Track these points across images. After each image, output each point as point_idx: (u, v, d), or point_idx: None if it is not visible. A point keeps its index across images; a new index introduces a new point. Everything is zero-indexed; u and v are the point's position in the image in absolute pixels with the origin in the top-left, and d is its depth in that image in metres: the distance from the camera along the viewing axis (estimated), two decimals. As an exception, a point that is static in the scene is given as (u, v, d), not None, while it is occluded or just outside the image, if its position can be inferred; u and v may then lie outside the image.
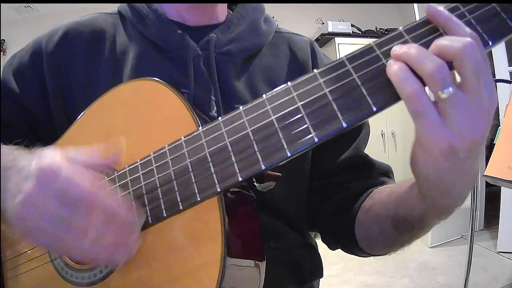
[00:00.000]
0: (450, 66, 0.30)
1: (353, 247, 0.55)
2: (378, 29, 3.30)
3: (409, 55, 0.30)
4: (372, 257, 0.57)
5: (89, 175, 0.35)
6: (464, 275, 1.84)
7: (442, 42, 0.30)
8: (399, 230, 0.45)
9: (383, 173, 0.60)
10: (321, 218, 0.60)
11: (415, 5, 2.68)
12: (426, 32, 0.33)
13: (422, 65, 0.29)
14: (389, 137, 3.15)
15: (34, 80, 0.55)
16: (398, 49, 0.31)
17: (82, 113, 0.50)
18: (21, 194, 0.34)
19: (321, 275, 0.63)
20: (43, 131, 0.55)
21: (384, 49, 0.33)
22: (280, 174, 0.40)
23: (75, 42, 0.55)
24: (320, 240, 0.64)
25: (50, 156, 0.36)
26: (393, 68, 0.30)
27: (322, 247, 0.67)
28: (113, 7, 0.62)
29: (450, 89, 0.28)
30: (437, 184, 0.33)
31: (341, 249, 0.60)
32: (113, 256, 0.36)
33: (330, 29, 3.09)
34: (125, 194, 0.40)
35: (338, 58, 0.34)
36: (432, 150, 0.30)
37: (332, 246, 0.61)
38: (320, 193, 0.60)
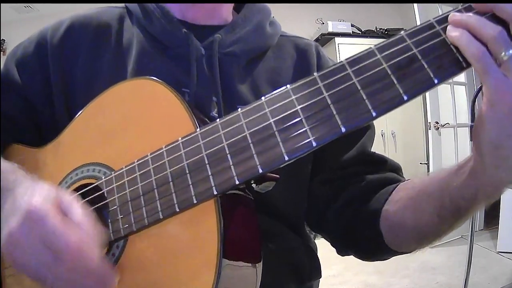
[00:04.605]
0: None
1: (372, 247, 0.53)
2: (378, 29, 3.29)
3: (471, 21, 0.32)
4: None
5: (76, 229, 0.35)
6: (464, 275, 1.84)
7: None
8: (441, 217, 0.43)
9: (394, 170, 0.58)
10: (332, 213, 0.56)
11: (415, 5, 2.67)
12: (429, 36, 0.32)
13: (486, 30, 0.31)
14: (389, 137, 3.15)
15: (38, 72, 0.54)
16: (458, 16, 0.32)
17: (82, 110, 0.50)
18: (6, 229, 0.34)
19: (319, 276, 0.63)
20: (44, 124, 0.55)
21: (385, 53, 0.33)
22: (278, 175, 0.40)
23: (80, 35, 0.55)
24: (320, 241, 0.63)
25: (42, 196, 0.36)
26: (459, 32, 0.32)
27: (322, 247, 0.66)
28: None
29: (511, 50, 0.31)
30: (499, 149, 0.34)
31: (354, 254, 0.57)
32: None
33: (330, 29, 3.08)
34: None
35: (338, 58, 0.34)
36: (500, 106, 0.32)
37: (343, 250, 0.58)
38: (328, 185, 0.57)
